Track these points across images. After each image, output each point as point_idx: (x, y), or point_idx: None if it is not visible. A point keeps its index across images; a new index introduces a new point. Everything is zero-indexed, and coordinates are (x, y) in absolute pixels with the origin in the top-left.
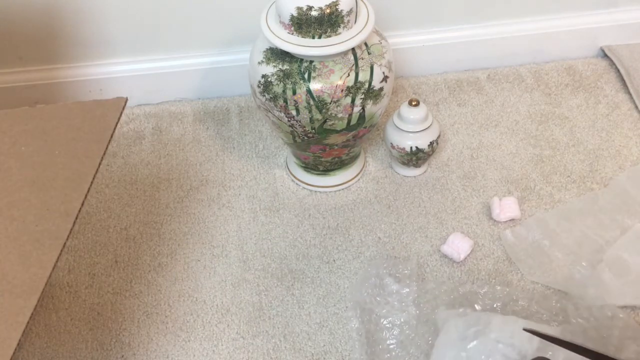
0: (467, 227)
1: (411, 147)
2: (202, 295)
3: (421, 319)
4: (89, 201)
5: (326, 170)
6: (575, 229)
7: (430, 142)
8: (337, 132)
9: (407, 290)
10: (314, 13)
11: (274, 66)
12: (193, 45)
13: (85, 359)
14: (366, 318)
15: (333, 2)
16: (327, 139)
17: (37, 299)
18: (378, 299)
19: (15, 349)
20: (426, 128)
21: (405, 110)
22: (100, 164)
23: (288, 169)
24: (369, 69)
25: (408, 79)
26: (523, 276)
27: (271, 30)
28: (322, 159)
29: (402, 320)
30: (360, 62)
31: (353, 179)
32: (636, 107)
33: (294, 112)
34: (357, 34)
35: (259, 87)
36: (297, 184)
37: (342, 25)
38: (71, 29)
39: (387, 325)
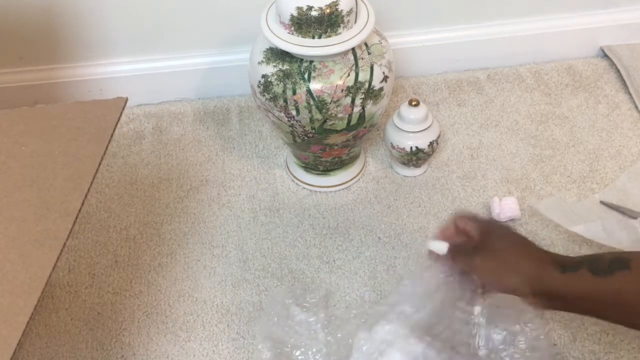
0: None
1: (411, 147)
2: (202, 295)
3: (332, 346)
4: (89, 201)
5: (326, 170)
6: None
7: (430, 142)
8: (337, 132)
9: (315, 318)
10: (314, 13)
11: (274, 66)
12: (193, 45)
13: (85, 359)
14: (277, 351)
15: (333, 2)
16: (327, 139)
17: (37, 299)
18: (286, 328)
19: (15, 349)
20: (426, 128)
21: (405, 110)
22: (100, 164)
23: (288, 169)
24: (369, 69)
25: (408, 79)
26: None
27: (271, 30)
28: (322, 159)
29: (313, 349)
30: (360, 62)
31: (353, 179)
32: (636, 107)
33: (294, 112)
34: (357, 34)
35: (259, 87)
36: (297, 184)
37: (342, 25)
38: (71, 29)
39: (300, 356)
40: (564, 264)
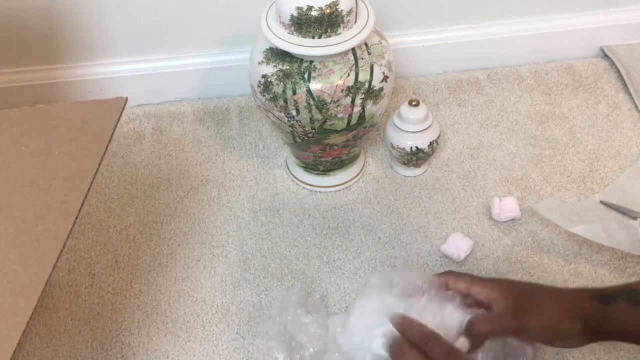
0: (467, 227)
1: (411, 147)
2: (202, 295)
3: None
4: (89, 201)
5: (326, 170)
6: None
7: (430, 142)
8: (337, 132)
9: (319, 321)
10: (314, 13)
11: (274, 66)
12: (193, 45)
13: (85, 359)
14: (291, 350)
15: (333, 2)
16: (327, 139)
17: (37, 299)
18: (296, 329)
19: (15, 349)
20: (426, 128)
21: (405, 110)
22: (100, 164)
23: (288, 169)
24: (369, 69)
25: (408, 79)
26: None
27: (271, 30)
28: (322, 159)
29: (321, 347)
30: (360, 62)
31: (353, 179)
32: (636, 107)
33: (294, 112)
34: (357, 34)
35: (259, 87)
36: (297, 184)
37: (342, 25)
38: (71, 29)
39: (313, 354)
40: (602, 295)
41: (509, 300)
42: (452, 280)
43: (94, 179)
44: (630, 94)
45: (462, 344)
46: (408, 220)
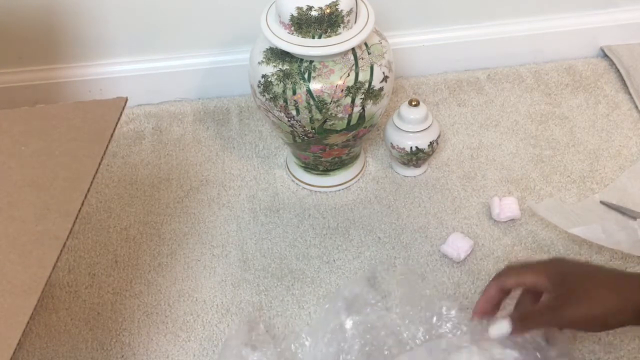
0: (467, 227)
1: (411, 147)
2: (202, 295)
3: None
4: (89, 201)
5: (326, 170)
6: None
7: (430, 142)
8: (337, 132)
9: (268, 354)
10: (314, 13)
11: (274, 66)
12: (193, 45)
13: (85, 359)
14: None
15: (333, 2)
16: (327, 139)
17: (37, 299)
18: None
19: (15, 349)
20: (426, 128)
21: (405, 110)
22: (100, 164)
23: (288, 169)
24: (369, 69)
25: (408, 79)
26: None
27: (271, 30)
28: (322, 159)
29: None
30: (360, 62)
31: (353, 179)
32: (636, 107)
33: (294, 112)
34: (357, 34)
35: (259, 87)
36: (297, 184)
37: (342, 25)
38: (71, 29)
39: None
40: None
41: (558, 288)
42: (502, 280)
43: (94, 179)
44: (630, 94)
45: None
46: (408, 220)
